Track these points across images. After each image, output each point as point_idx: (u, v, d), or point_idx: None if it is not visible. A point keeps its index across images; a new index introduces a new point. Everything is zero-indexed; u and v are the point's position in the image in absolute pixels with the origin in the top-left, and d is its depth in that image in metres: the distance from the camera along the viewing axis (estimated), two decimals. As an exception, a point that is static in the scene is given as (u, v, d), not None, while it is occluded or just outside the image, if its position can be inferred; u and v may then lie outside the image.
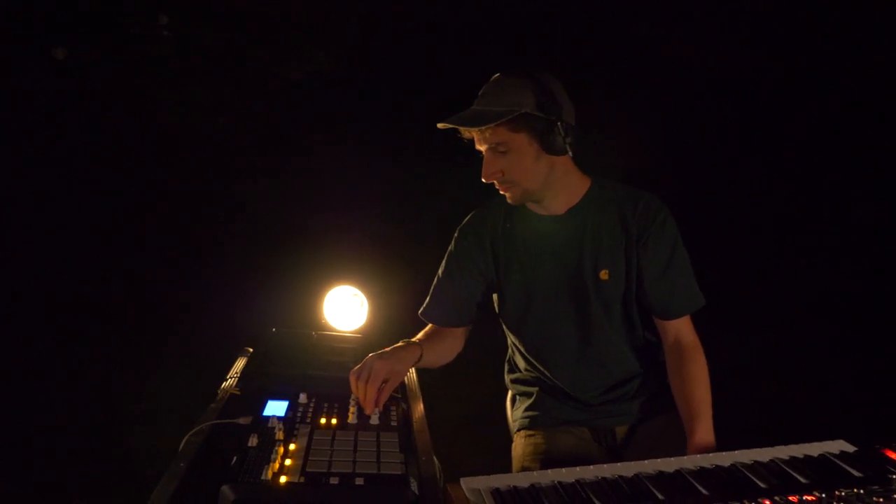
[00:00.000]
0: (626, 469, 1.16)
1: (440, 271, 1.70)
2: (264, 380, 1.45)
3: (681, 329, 1.58)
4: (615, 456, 1.62)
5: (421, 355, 1.54)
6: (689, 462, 1.19)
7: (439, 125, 1.48)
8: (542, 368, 1.66)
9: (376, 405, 1.35)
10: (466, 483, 1.11)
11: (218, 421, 1.32)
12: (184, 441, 1.28)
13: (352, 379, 1.37)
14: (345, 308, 2.10)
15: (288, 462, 1.13)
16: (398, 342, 1.55)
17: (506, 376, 1.81)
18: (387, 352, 1.45)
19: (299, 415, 1.32)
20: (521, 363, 1.73)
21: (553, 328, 1.62)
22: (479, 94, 1.51)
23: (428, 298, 1.71)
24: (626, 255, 1.56)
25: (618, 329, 1.61)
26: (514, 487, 1.09)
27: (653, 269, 1.55)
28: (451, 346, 1.70)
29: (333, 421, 1.31)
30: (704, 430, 1.42)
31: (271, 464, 1.10)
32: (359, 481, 1.08)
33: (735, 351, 4.35)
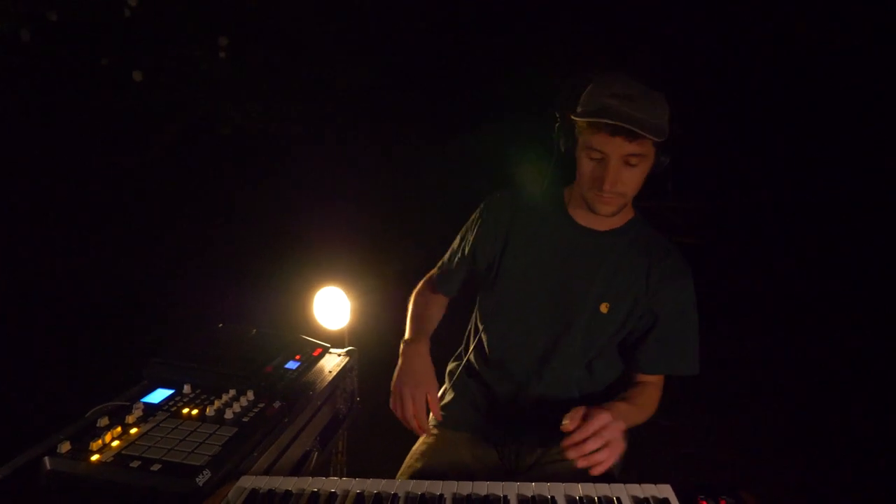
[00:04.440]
0: (417, 486, 1.15)
1: (455, 242, 1.75)
2: (165, 368, 1.61)
3: (653, 376, 1.56)
4: (509, 477, 1.57)
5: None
6: (461, 488, 1.15)
7: (598, 120, 1.34)
8: (491, 372, 1.65)
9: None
10: (243, 481, 1.18)
11: (112, 403, 1.51)
12: (88, 414, 1.49)
13: (397, 413, 1.49)
14: (331, 308, 2.24)
15: (115, 443, 1.28)
16: (403, 341, 1.60)
17: (449, 364, 1.80)
18: (409, 373, 1.51)
19: (171, 403, 1.48)
20: (474, 360, 1.72)
21: (524, 338, 1.59)
22: (617, 93, 1.35)
23: (442, 268, 1.77)
24: (635, 299, 1.52)
25: (585, 365, 1.58)
26: (271, 491, 1.14)
27: (659, 327, 1.52)
28: (439, 315, 1.76)
29: (194, 412, 1.44)
30: (623, 411, 1.36)
31: (96, 441, 1.26)
32: (155, 467, 1.21)
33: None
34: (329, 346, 1.93)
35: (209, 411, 1.44)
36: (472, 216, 1.70)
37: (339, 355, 1.92)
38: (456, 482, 1.17)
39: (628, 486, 1.15)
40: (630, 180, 1.42)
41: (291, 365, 1.74)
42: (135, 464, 1.22)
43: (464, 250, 1.70)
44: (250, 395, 1.53)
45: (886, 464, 3.18)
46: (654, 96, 1.39)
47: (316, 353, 1.85)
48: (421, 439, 1.68)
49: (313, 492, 1.14)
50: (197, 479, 1.19)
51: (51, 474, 1.22)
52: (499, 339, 1.64)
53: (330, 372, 1.80)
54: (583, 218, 1.56)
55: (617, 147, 1.37)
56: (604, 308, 1.51)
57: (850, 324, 5.35)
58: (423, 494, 1.13)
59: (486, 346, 1.66)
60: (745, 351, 4.74)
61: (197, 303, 4.63)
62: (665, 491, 1.13)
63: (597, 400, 1.52)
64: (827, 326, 5.31)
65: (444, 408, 1.72)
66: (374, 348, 2.16)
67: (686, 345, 1.53)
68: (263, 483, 1.18)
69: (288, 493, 1.15)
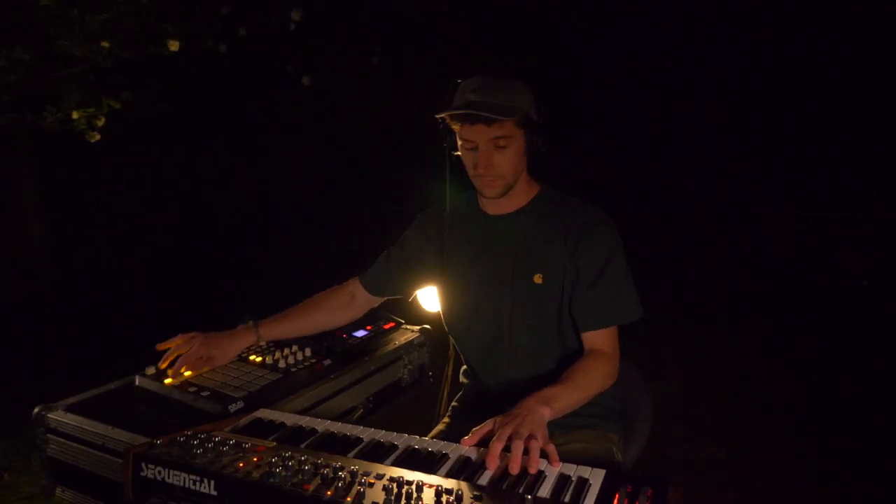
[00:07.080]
0: (386, 437, 1.32)
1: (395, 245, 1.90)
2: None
3: (596, 340, 1.57)
4: None
5: (258, 339, 1.78)
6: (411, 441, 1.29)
7: (455, 112, 1.53)
8: (474, 367, 1.78)
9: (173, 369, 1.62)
10: (260, 412, 1.45)
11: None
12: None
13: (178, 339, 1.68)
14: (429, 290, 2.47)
15: (188, 373, 1.64)
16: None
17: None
18: (216, 336, 1.72)
19: (245, 350, 1.80)
20: (464, 363, 1.85)
21: (484, 328, 1.71)
22: (475, 88, 1.54)
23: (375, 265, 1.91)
24: (563, 264, 1.61)
25: (551, 338, 1.65)
26: (271, 420, 1.40)
27: (582, 282, 1.58)
28: (341, 313, 1.91)
29: (258, 359, 1.76)
30: (550, 394, 1.36)
31: (177, 369, 1.63)
32: (204, 393, 1.54)
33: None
34: (403, 322, 2.15)
35: (268, 360, 1.75)
36: (407, 231, 1.88)
37: (413, 331, 2.14)
38: (416, 436, 1.32)
39: (565, 464, 1.20)
40: (503, 161, 1.57)
41: (359, 333, 2.00)
42: (192, 389, 1.56)
43: (398, 252, 1.86)
44: (307, 351, 1.81)
45: (887, 465, 3.13)
46: (512, 84, 1.55)
47: (387, 327, 2.09)
48: (436, 427, 1.83)
49: (299, 426, 1.38)
50: (230, 407, 1.49)
51: (138, 389, 1.61)
52: (465, 338, 1.78)
53: (395, 344, 2.02)
54: (490, 207, 1.70)
55: (481, 133, 1.54)
56: (538, 279, 1.61)
57: (851, 324, 5.37)
58: (381, 441, 1.31)
59: (459, 350, 1.82)
60: (746, 351, 4.77)
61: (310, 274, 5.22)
62: (596, 476, 1.16)
63: None
64: (827, 326, 5.32)
65: (457, 400, 1.89)
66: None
67: (616, 292, 1.57)
68: (273, 416, 1.44)
69: (283, 423, 1.40)
